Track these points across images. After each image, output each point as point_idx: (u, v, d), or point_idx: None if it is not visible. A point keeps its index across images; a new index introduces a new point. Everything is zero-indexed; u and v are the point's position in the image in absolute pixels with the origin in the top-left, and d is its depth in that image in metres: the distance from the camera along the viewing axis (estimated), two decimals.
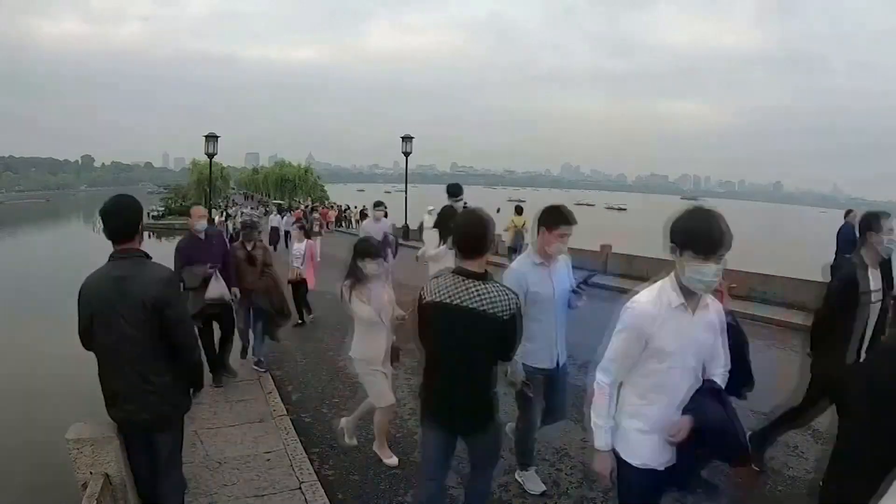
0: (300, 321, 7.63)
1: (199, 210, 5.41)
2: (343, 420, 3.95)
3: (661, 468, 2.05)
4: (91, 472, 2.46)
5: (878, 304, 3.04)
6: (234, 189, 75.63)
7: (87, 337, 2.46)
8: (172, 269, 3.57)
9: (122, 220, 2.43)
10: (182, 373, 2.59)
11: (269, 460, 3.69)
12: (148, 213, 47.24)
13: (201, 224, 5.08)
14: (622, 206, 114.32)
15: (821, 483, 1.80)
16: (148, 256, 2.50)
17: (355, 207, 35.18)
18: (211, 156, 18.80)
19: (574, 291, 3.13)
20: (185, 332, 2.53)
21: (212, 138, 18.20)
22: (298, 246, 7.83)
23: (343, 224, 32.59)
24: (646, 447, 2.04)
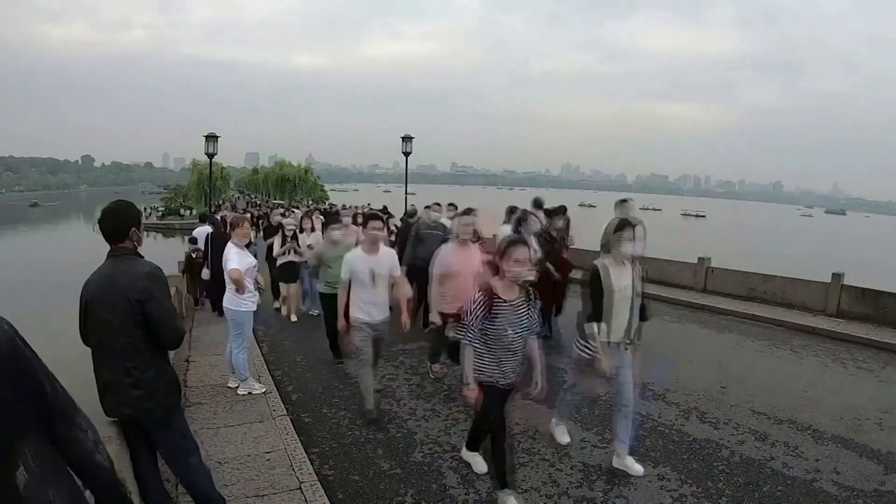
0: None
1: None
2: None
3: None
4: None
5: None
6: (233, 190, 75.47)
7: (84, 332, 2.54)
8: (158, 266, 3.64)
9: (113, 222, 2.51)
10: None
11: (269, 460, 3.68)
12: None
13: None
14: (700, 213, 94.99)
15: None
16: (139, 255, 2.55)
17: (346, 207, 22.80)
18: (211, 156, 18.69)
19: None
20: (167, 327, 2.52)
21: (212, 138, 18.09)
22: None
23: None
24: None
